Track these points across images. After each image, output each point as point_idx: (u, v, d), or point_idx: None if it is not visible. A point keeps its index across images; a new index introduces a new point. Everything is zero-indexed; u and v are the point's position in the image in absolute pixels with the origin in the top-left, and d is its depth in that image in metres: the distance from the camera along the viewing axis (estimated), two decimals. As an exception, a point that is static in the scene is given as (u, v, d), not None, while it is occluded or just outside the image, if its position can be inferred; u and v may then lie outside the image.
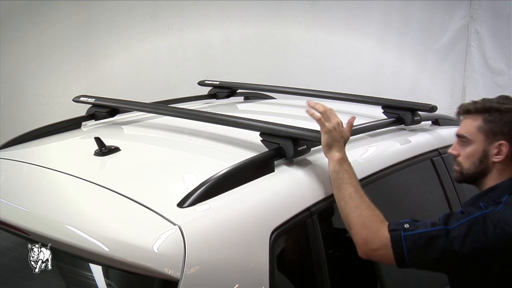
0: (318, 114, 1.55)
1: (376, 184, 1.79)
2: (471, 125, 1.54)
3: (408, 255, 1.36)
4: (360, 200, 1.44)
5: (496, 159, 1.51)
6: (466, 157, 1.55)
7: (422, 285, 1.94)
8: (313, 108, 1.57)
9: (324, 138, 1.52)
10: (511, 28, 4.57)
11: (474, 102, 1.57)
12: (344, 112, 2.28)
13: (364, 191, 1.47)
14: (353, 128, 1.71)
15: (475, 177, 1.56)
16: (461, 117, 1.60)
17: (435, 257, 1.36)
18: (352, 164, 1.52)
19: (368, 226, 1.40)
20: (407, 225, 1.39)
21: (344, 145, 1.54)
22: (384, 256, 1.39)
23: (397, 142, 2.01)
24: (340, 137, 1.53)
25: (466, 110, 1.57)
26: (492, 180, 1.53)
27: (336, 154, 1.50)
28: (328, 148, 1.52)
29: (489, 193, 1.52)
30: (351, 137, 1.76)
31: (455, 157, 1.59)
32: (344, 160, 1.51)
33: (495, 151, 1.51)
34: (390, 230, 1.38)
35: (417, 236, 1.37)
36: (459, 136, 1.58)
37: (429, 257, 1.37)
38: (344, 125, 1.58)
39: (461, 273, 1.44)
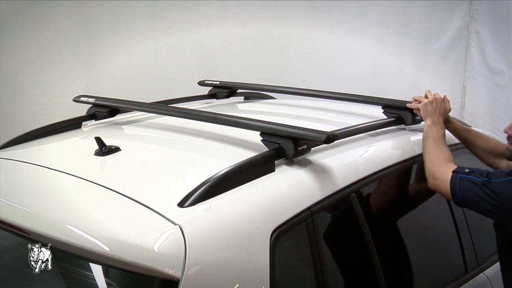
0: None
1: (376, 184, 1.79)
2: None
3: (459, 193, 1.63)
4: (434, 146, 1.79)
5: None
6: None
7: (421, 285, 1.94)
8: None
9: (421, 109, 1.95)
10: (511, 28, 4.56)
11: None
12: (344, 112, 2.30)
13: (444, 147, 1.79)
14: (353, 128, 1.78)
15: None
16: None
17: (476, 201, 1.61)
18: (354, 163, 1.53)
19: (435, 163, 1.74)
20: (468, 169, 1.65)
21: (443, 116, 1.92)
22: (442, 188, 1.68)
23: (397, 142, 2.01)
24: (435, 109, 1.91)
25: None
26: None
27: (428, 121, 1.90)
28: (425, 117, 1.92)
29: None
30: (351, 137, 1.78)
31: (510, 136, 1.79)
32: (434, 123, 1.87)
33: None
34: (453, 171, 1.66)
35: (469, 180, 1.62)
36: None
37: (472, 201, 1.62)
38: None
39: (502, 223, 1.71)
